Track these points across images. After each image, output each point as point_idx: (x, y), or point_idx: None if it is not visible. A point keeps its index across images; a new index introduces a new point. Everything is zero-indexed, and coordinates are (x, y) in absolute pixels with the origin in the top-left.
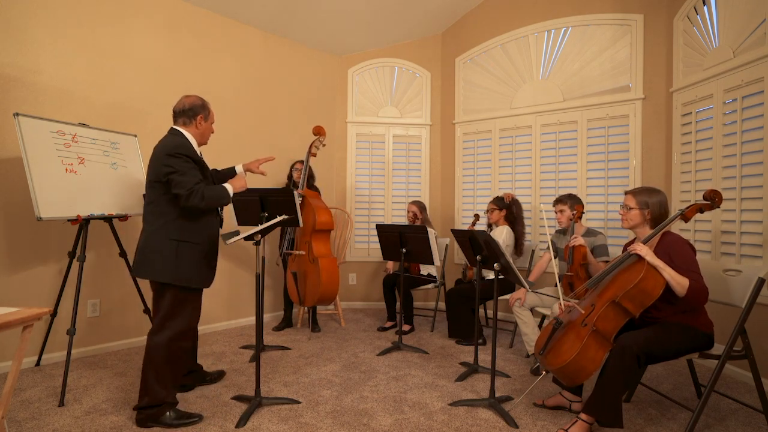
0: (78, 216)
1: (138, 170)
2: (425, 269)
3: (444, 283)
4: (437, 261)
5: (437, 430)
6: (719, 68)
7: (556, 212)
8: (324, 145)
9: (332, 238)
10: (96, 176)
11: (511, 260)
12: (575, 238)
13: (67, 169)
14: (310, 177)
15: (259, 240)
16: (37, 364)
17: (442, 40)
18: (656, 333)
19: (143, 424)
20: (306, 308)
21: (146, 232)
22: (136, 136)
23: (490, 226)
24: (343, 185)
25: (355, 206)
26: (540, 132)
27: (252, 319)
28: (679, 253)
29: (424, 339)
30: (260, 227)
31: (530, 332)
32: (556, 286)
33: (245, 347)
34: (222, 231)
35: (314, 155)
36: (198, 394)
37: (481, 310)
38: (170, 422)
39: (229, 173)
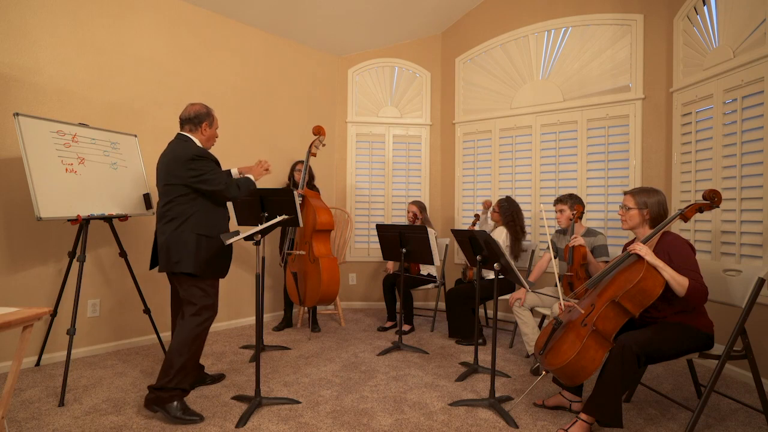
0: (78, 216)
1: (138, 170)
2: (425, 269)
3: (444, 283)
4: (437, 261)
5: (437, 430)
6: (719, 68)
7: (556, 212)
8: (324, 145)
9: (332, 238)
10: (96, 176)
11: (511, 260)
12: (575, 238)
13: (67, 169)
14: (310, 177)
15: (259, 240)
16: (37, 364)
17: (442, 40)
18: (656, 333)
19: (149, 405)
20: (306, 308)
21: (167, 229)
22: (136, 136)
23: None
24: (343, 185)
25: (355, 206)
26: (540, 132)
27: (252, 319)
28: (678, 253)
29: (424, 339)
30: (260, 227)
31: (530, 332)
32: (556, 286)
33: (245, 347)
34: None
35: (314, 155)
36: (198, 394)
37: (481, 310)
38: (174, 413)
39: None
